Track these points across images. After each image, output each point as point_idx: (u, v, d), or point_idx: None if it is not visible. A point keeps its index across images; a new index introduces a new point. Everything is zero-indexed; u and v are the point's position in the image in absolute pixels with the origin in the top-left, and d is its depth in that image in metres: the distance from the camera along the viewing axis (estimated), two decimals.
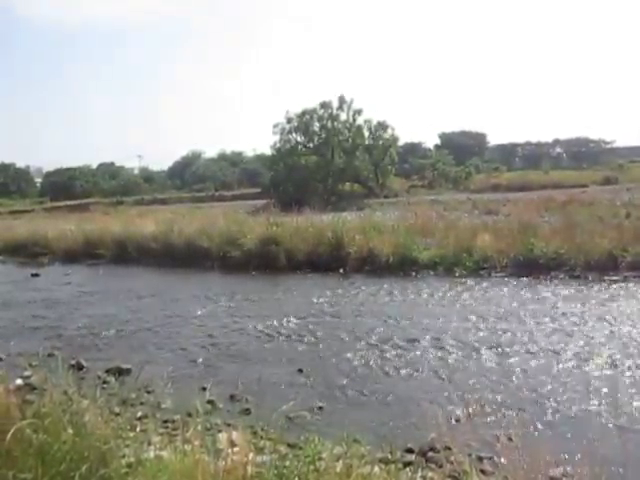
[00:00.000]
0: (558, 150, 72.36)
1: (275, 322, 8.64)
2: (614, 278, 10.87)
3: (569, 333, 7.46)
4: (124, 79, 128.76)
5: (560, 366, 6.25)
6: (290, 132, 44.11)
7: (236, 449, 3.22)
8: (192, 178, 58.73)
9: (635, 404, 5.17)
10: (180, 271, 14.36)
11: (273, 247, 13.91)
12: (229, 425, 4.43)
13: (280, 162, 43.06)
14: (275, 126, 43.62)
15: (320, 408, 5.39)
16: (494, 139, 72.91)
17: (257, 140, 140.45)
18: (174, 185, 59.47)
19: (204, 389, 5.37)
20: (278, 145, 43.89)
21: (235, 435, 3.55)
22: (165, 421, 4.79)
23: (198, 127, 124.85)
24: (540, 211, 17.94)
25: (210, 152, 69.01)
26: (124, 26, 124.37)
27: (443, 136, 68.05)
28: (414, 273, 12.37)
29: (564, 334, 7.41)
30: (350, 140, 44.15)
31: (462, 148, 60.97)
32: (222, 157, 66.29)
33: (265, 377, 6.24)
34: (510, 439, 4.35)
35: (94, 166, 61.25)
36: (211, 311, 9.78)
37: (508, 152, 69.86)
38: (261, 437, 3.72)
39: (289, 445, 3.89)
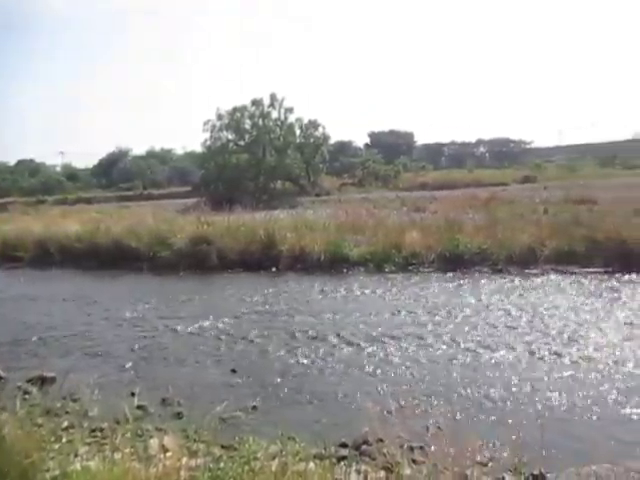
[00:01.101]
0: (481, 150, 75.55)
1: (207, 323, 8.52)
2: (534, 271, 11.49)
3: (493, 324, 7.81)
4: (47, 73, 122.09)
5: (485, 356, 6.54)
6: (221, 130, 43.48)
7: (168, 454, 3.16)
8: (119, 176, 56.66)
9: (552, 389, 5.49)
10: (107, 273, 13.83)
11: (204, 246, 13.69)
12: (161, 430, 4.33)
13: (211, 160, 42.37)
14: (205, 123, 42.88)
15: (254, 408, 5.36)
16: (421, 139, 75.18)
17: (187, 138, 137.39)
18: (99, 184, 57.16)
19: (133, 394, 5.21)
20: (209, 143, 43.17)
21: (167, 440, 3.48)
22: (93, 430, 4.60)
23: (125, 124, 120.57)
24: (465, 208, 18.63)
25: (138, 149, 66.91)
26: (50, 18, 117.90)
27: (373, 135, 69.40)
28: (345, 270, 12.55)
29: (489, 325, 7.76)
30: (281, 138, 44.09)
31: (391, 147, 62.44)
32: (151, 155, 64.37)
33: (197, 379, 6.15)
34: (439, 428, 4.52)
35: (12, 163, 57.86)
36: (140, 313, 9.49)
37: (434, 151, 72.19)
38: (194, 440, 3.67)
39: (223, 447, 3.85)
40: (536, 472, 3.74)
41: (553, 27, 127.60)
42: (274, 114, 44.06)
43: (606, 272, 11.12)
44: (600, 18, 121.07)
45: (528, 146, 73.08)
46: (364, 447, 4.34)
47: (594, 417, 4.89)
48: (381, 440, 3.99)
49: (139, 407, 5.04)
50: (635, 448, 3.95)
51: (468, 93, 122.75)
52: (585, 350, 6.58)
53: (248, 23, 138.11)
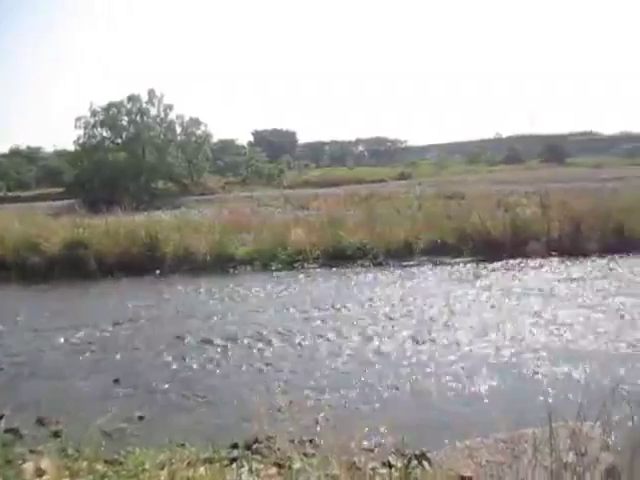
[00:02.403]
0: (360, 148, 78.39)
1: (86, 332, 8.03)
2: (410, 263, 12.20)
3: (375, 315, 8.19)
4: None
5: (368, 346, 6.84)
6: (95, 126, 41.07)
7: (45, 477, 2.97)
8: None
9: (427, 372, 5.88)
10: None
11: (81, 251, 12.87)
12: (36, 452, 4.03)
13: (85, 159, 39.90)
14: (78, 120, 40.24)
15: (141, 418, 5.17)
16: (303, 137, 76.38)
17: (56, 135, 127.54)
18: None
19: (1, 417, 4.80)
20: (82, 140, 40.58)
21: (44, 463, 3.26)
22: None
23: None
24: (346, 205, 19.26)
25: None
26: None
27: (256, 134, 69.30)
28: (232, 270, 12.47)
29: (371, 317, 8.12)
30: (162, 136, 42.62)
31: (274, 146, 62.75)
32: (15, 153, 59.06)
33: (77, 393, 5.80)
34: (328, 420, 4.68)
35: None
36: (8, 327, 8.72)
37: (316, 150, 73.65)
38: (75, 459, 3.47)
39: (107, 462, 3.68)
40: (418, 452, 3.98)
41: (431, 28, 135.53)
42: (153, 111, 42.45)
43: (474, 261, 12.10)
44: (482, 25, 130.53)
45: (403, 145, 77.07)
46: (255, 446, 4.36)
47: (465, 395, 5.32)
48: (272, 437, 4.05)
49: (9, 430, 4.65)
50: (500, 421, 4.34)
51: (347, 93, 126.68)
52: (456, 334, 7.11)
53: (123, 18, 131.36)
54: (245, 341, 7.28)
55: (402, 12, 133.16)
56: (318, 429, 4.47)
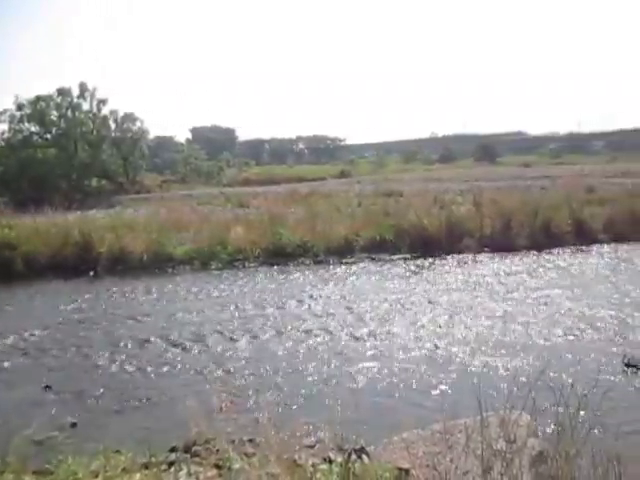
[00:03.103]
0: (301, 146, 78.56)
1: (14, 338, 7.63)
2: (350, 260, 12.36)
3: (315, 312, 8.24)
4: None
5: (309, 342, 6.87)
6: (22, 121, 39.06)
7: None
8: None
9: (364, 367, 5.98)
10: None
11: (7, 253, 12.23)
12: None
13: (11, 155, 37.82)
14: (2, 114, 38.12)
15: (74, 425, 4.98)
16: (243, 135, 75.78)
17: None
18: None
19: None
20: (7, 135, 38.48)
21: None
22: None
23: None
24: (287, 203, 19.27)
25: None
26: None
27: (194, 130, 68.06)
28: (170, 269, 12.20)
29: (311, 314, 8.16)
30: (95, 132, 41.09)
31: (213, 143, 61.88)
32: None
33: (3, 402, 5.51)
34: (269, 419, 4.66)
35: None
36: None
37: (256, 147, 73.24)
38: (1, 472, 3.30)
39: (36, 472, 3.52)
40: (357, 447, 4.04)
41: (367, 29, 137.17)
42: (85, 105, 40.85)
43: (412, 257, 12.40)
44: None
45: (343, 143, 77.86)
46: (195, 448, 4.29)
47: (401, 389, 5.44)
48: (211, 438, 4.01)
49: None
50: (434, 413, 4.48)
51: (286, 91, 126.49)
52: (392, 329, 7.27)
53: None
54: (183, 342, 7.15)
55: (340, 12, 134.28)
56: (258, 428, 4.45)
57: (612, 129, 78.16)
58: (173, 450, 4.35)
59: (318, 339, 7.02)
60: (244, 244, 12.89)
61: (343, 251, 12.82)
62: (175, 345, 7.05)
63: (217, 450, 3.92)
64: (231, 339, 7.17)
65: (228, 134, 71.77)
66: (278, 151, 73.95)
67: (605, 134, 77.79)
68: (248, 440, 4.34)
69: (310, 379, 5.77)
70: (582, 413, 2.91)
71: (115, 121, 42.58)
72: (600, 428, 3.33)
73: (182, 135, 68.63)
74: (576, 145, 70.73)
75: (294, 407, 5.14)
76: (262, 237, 13.11)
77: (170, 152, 54.85)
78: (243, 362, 6.37)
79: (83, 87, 40.57)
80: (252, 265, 12.27)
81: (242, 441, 4.33)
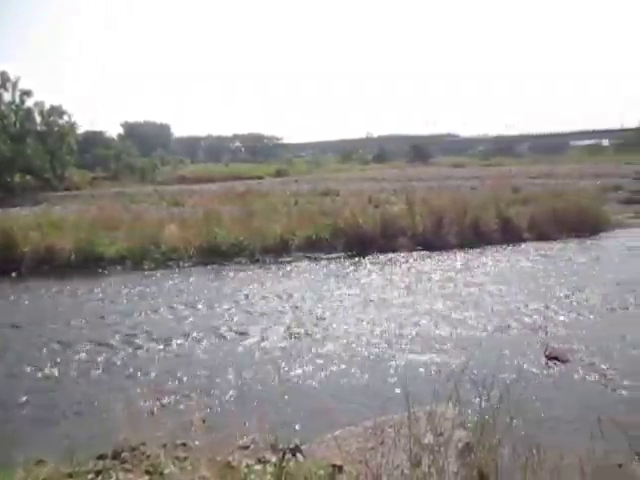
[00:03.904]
0: (237, 144, 77.81)
1: None
2: (287, 259, 12.37)
3: (250, 312, 8.18)
4: None
5: (243, 343, 6.81)
6: None
7: None
8: None
9: (300, 367, 6.00)
10: None
11: None
12: None
13: None
14: None
15: None
16: (177, 131, 74.18)
17: None
18: None
19: None
20: None
21: None
22: None
23: None
24: (223, 201, 19.04)
25: None
26: None
27: (126, 125, 65.89)
28: (101, 269, 11.78)
29: (247, 313, 8.10)
30: (17, 125, 38.98)
31: (147, 139, 60.20)
32: None
33: None
34: (203, 421, 4.59)
35: None
36: None
37: (191, 145, 71.89)
38: None
39: None
40: (292, 446, 4.06)
41: (305, 29, 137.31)
42: (7, 96, 38.68)
43: (348, 256, 12.57)
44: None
45: (280, 142, 77.77)
46: (124, 455, 4.16)
47: (334, 387, 5.50)
48: (142, 443, 3.91)
49: None
50: (363, 409, 4.57)
51: (224, 88, 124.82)
52: (326, 328, 7.32)
53: None
54: (112, 345, 6.91)
55: (277, 11, 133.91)
56: (190, 431, 4.38)
57: (536, 132, 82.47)
58: (101, 458, 4.20)
59: (251, 340, 6.97)
60: (178, 243, 12.63)
61: (279, 250, 12.81)
62: (103, 348, 6.81)
63: (147, 455, 3.83)
64: (162, 341, 7.00)
65: (163, 130, 69.98)
66: (214, 149, 72.86)
67: (529, 136, 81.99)
68: (180, 444, 4.26)
69: (243, 380, 5.73)
70: (505, 404, 3.05)
71: (40, 114, 40.56)
72: (521, 418, 3.49)
73: (114, 130, 66.05)
74: (503, 147, 74.05)
75: (227, 408, 5.09)
76: (197, 236, 12.89)
77: (101, 148, 52.80)
78: (174, 364, 6.23)
79: (4, 76, 38.38)
80: (186, 265, 12.04)
81: (174, 445, 4.24)
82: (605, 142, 77.55)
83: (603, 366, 5.70)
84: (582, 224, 14.75)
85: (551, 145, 75.64)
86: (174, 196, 23.45)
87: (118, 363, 6.35)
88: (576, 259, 11.70)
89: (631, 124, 77.12)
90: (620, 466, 3.10)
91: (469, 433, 3.47)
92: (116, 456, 4.19)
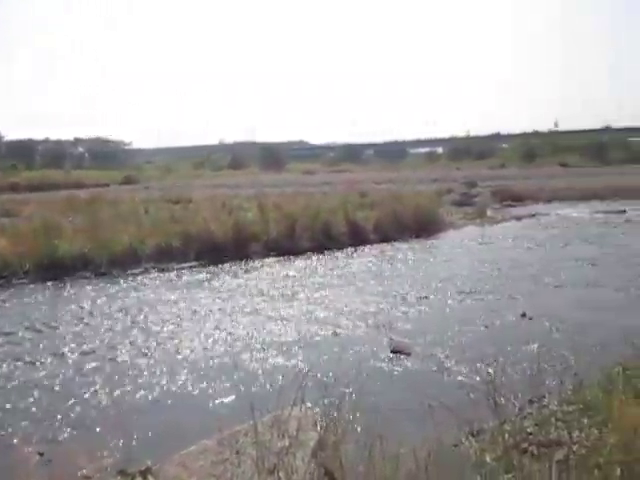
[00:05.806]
0: (80, 149, 72.57)
1: None
2: (136, 271, 11.76)
3: (95, 329, 7.65)
4: None
5: (86, 365, 6.33)
6: None
7: None
8: None
9: (153, 385, 5.77)
10: None
11: None
12: None
13: None
14: None
15: None
16: (10, 134, 67.39)
17: None
18: None
19: None
20: None
21: None
22: None
23: None
24: (65, 211, 17.64)
25: None
26: None
27: None
28: None
29: (92, 332, 7.56)
30: None
31: None
32: None
33: None
34: (41, 454, 4.20)
35: None
36: None
37: (27, 149, 65.55)
38: None
39: None
40: (143, 468, 3.88)
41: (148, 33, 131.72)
42: None
43: (200, 265, 12.33)
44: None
45: (128, 147, 74.09)
46: None
47: (183, 402, 5.35)
48: None
49: None
50: (219, 422, 4.50)
51: (66, 87, 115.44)
52: (179, 342, 7.07)
53: None
54: None
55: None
56: (25, 467, 3.99)
57: (380, 140, 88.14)
58: None
59: (94, 360, 6.51)
60: (11, 258, 11.41)
61: (128, 262, 12.13)
62: None
63: None
64: None
65: None
66: (53, 154, 67.03)
67: (374, 145, 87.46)
68: None
69: (87, 404, 5.34)
70: (347, 401, 3.21)
71: None
72: (364, 412, 3.70)
73: None
74: (351, 154, 78.14)
75: (67, 437, 4.71)
76: (33, 249, 11.74)
77: None
78: (5, 393, 5.62)
79: None
80: (21, 282, 10.90)
81: None
82: (439, 150, 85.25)
83: (440, 355, 6.25)
84: (420, 225, 16.05)
85: (393, 152, 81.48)
86: (5, 205, 21.23)
87: None
88: (414, 258, 12.70)
89: (460, 133, 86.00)
90: (456, 446, 3.40)
91: (318, 432, 3.60)
92: None
